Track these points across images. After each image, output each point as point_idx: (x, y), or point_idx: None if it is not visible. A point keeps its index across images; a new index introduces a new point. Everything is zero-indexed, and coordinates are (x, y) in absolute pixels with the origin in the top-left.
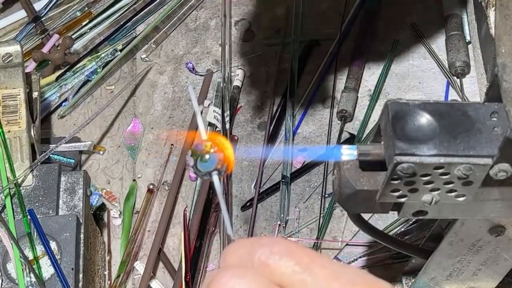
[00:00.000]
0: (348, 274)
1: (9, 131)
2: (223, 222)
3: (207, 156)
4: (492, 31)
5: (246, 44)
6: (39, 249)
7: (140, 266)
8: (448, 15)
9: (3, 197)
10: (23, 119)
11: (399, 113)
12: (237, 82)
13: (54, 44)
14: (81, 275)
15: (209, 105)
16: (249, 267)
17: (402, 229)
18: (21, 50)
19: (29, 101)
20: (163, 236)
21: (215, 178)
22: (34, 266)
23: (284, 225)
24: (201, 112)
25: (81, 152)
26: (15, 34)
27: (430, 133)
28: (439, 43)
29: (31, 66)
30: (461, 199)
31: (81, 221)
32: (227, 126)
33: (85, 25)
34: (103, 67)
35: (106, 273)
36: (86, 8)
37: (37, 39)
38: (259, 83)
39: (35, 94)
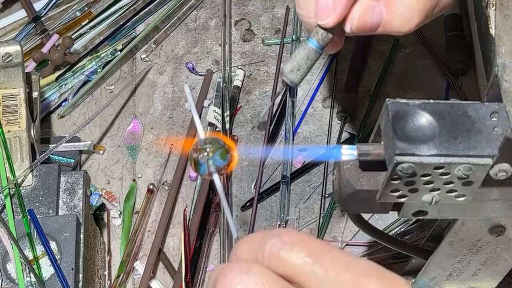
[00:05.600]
0: (360, 266)
1: (9, 131)
2: (223, 222)
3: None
4: (492, 31)
5: (246, 44)
6: (39, 249)
7: (140, 266)
8: (448, 15)
9: (3, 197)
10: (23, 119)
11: (399, 113)
12: (237, 82)
13: (54, 44)
14: (81, 275)
15: (209, 105)
16: (259, 259)
17: (402, 229)
18: (21, 50)
19: (29, 101)
20: (163, 236)
21: (216, 178)
22: (34, 266)
23: (284, 225)
24: (200, 116)
25: (81, 152)
26: (15, 34)
27: (430, 133)
28: (439, 43)
29: (31, 66)
30: (461, 199)
31: (81, 221)
32: (227, 126)
33: (85, 25)
34: (103, 67)
35: (106, 273)
36: (86, 8)
37: (37, 39)
38: (259, 83)
39: (35, 94)
